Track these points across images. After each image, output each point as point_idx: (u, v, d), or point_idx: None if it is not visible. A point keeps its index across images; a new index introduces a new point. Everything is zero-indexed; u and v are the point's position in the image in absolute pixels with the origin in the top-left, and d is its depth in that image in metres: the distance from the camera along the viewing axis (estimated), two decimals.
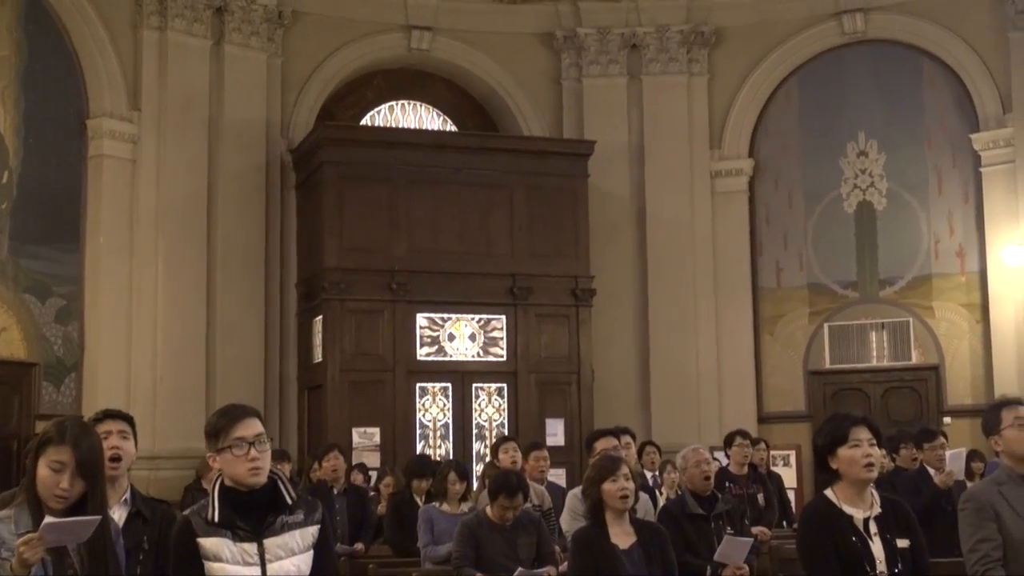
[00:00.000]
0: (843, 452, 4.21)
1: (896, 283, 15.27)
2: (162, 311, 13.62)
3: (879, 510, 4.24)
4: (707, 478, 7.16)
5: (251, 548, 3.72)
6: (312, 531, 3.83)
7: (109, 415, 4.68)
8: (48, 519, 3.51)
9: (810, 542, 4.24)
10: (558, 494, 8.59)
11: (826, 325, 15.46)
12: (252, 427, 3.82)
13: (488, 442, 14.08)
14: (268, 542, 3.74)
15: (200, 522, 3.75)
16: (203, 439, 3.87)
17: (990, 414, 4.93)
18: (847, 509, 4.20)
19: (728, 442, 10.13)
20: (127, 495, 4.53)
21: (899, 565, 4.14)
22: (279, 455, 10.47)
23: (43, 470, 3.63)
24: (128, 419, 4.73)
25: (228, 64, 14.36)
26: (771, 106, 15.98)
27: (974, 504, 4.71)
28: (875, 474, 4.24)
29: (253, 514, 3.77)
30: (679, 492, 9.38)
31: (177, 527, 3.86)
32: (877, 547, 4.16)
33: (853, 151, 15.57)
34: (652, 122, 15.74)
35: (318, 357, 14.03)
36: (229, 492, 3.79)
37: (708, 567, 6.82)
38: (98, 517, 3.58)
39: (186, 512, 3.87)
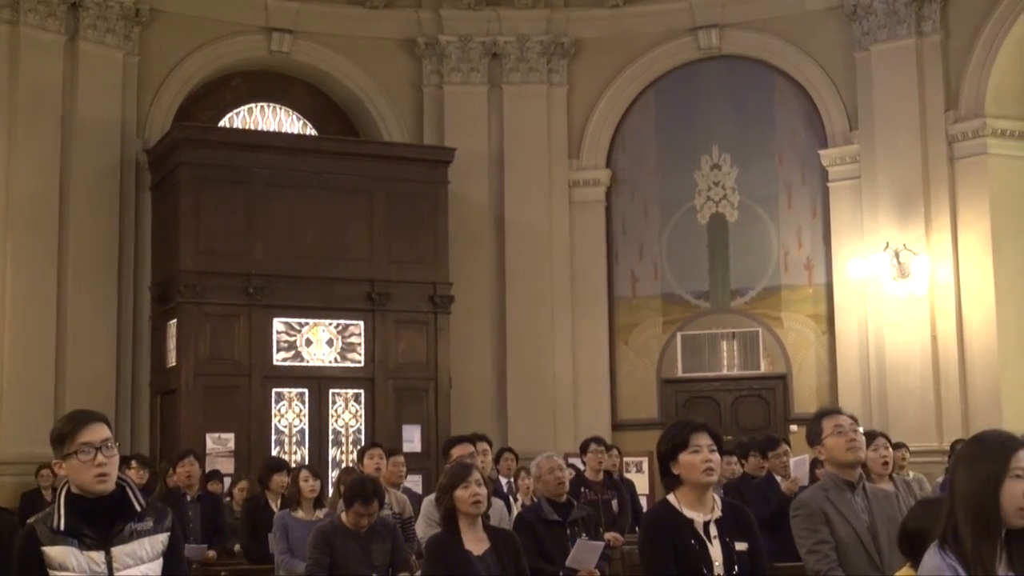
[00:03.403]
0: (684, 457, 4.33)
1: (746, 294, 15.65)
2: (9, 312, 13.27)
3: (719, 514, 4.37)
4: (561, 484, 7.26)
5: (98, 556, 3.66)
6: (162, 539, 3.78)
7: None
8: None
9: (649, 545, 4.36)
10: (414, 500, 8.63)
11: (679, 334, 15.77)
12: (99, 432, 3.73)
13: (345, 448, 14.04)
14: (116, 550, 3.68)
15: (45, 530, 3.66)
16: (51, 445, 3.80)
17: (812, 425, 5.19)
18: (687, 513, 4.32)
19: (583, 449, 10.26)
20: None
21: (736, 567, 4.28)
22: (141, 461, 10.31)
23: None
24: None
25: (83, 61, 14.07)
26: (628, 118, 16.24)
27: (806, 510, 4.94)
28: (714, 478, 4.37)
29: (101, 522, 3.69)
30: (534, 499, 9.52)
31: (21, 535, 3.75)
32: (715, 550, 4.28)
33: (707, 164, 15.92)
34: (512, 131, 15.87)
35: (172, 361, 13.81)
36: (76, 499, 3.71)
37: (560, 572, 6.92)
38: None
39: (31, 520, 3.77)
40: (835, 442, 5.02)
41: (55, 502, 3.74)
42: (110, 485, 3.72)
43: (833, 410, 5.26)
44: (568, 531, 7.13)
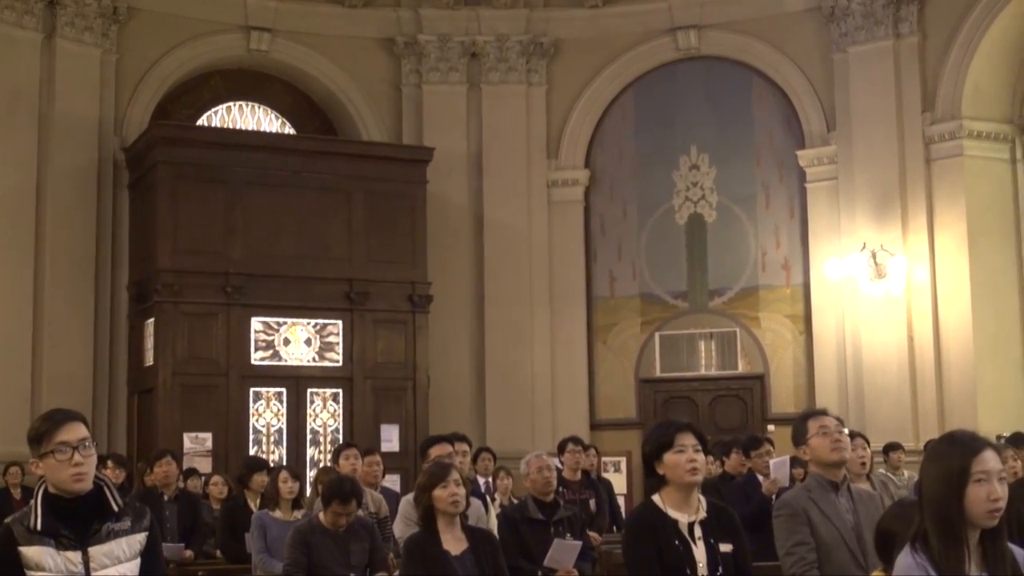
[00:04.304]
0: (669, 457, 4.32)
1: (724, 294, 15.69)
2: None
3: (704, 515, 4.37)
4: (548, 484, 7.28)
5: (75, 556, 3.62)
6: (139, 538, 3.75)
7: None
8: None
9: (633, 546, 4.35)
10: (392, 500, 8.61)
11: (657, 334, 15.79)
12: (76, 431, 3.69)
13: (323, 448, 14.01)
14: (93, 550, 3.65)
15: (22, 530, 3.63)
16: (28, 444, 3.77)
17: (797, 425, 5.23)
18: (672, 514, 4.31)
19: (561, 448, 10.24)
20: None
21: (720, 569, 4.28)
22: (117, 461, 10.27)
23: None
24: None
25: (60, 59, 14.01)
26: (607, 118, 16.26)
27: (788, 510, 4.97)
28: (699, 478, 4.36)
29: (78, 522, 3.66)
30: (512, 499, 9.52)
31: None
32: (700, 551, 4.27)
33: (685, 164, 15.95)
34: (491, 130, 15.87)
35: (149, 360, 13.76)
36: (53, 499, 3.67)
37: (539, 572, 6.93)
38: None
39: (7, 520, 3.74)
40: (820, 443, 5.07)
41: (32, 502, 3.71)
42: (87, 484, 3.69)
43: (819, 411, 5.31)
44: (552, 530, 7.14)
